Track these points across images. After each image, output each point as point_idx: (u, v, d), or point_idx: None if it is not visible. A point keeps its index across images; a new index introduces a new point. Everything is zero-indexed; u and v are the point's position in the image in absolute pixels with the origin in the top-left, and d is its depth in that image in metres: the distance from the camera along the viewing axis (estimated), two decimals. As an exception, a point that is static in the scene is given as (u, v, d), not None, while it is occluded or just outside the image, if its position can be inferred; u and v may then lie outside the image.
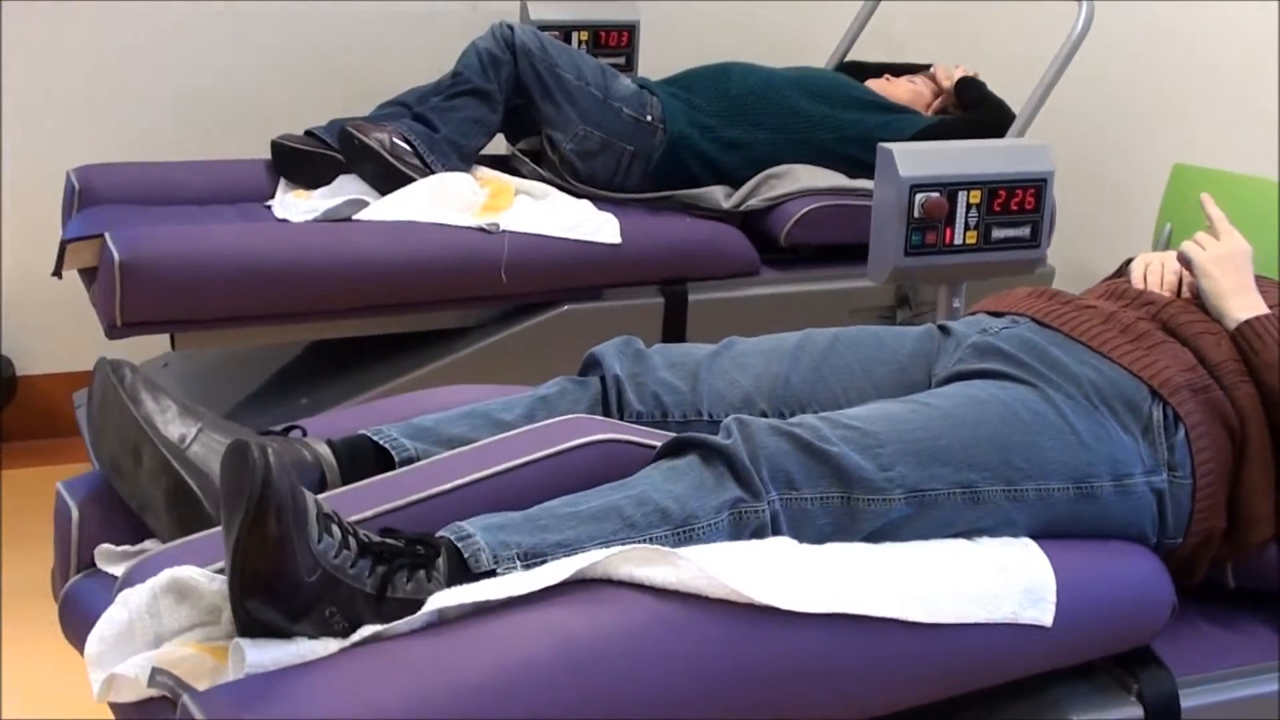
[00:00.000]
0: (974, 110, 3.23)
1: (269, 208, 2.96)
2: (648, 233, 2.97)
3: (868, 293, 3.05)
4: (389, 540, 1.43)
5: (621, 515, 1.51)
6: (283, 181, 3.04)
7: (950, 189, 2.31)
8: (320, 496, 1.47)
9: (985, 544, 1.64)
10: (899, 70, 3.50)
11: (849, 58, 3.67)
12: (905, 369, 1.88)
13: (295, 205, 2.92)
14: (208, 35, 3.49)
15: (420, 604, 1.41)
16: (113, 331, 2.61)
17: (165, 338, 2.75)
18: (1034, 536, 1.67)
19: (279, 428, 1.74)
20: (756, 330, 2.90)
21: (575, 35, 3.57)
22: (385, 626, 1.38)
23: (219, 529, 1.56)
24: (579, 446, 1.65)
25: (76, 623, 1.62)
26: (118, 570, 1.63)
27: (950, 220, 2.33)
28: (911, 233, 2.31)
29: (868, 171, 3.05)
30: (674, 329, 2.97)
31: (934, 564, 1.57)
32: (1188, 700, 1.70)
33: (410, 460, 1.69)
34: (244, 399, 2.89)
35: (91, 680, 1.43)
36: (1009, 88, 3.26)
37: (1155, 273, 1.99)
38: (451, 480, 1.59)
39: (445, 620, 1.40)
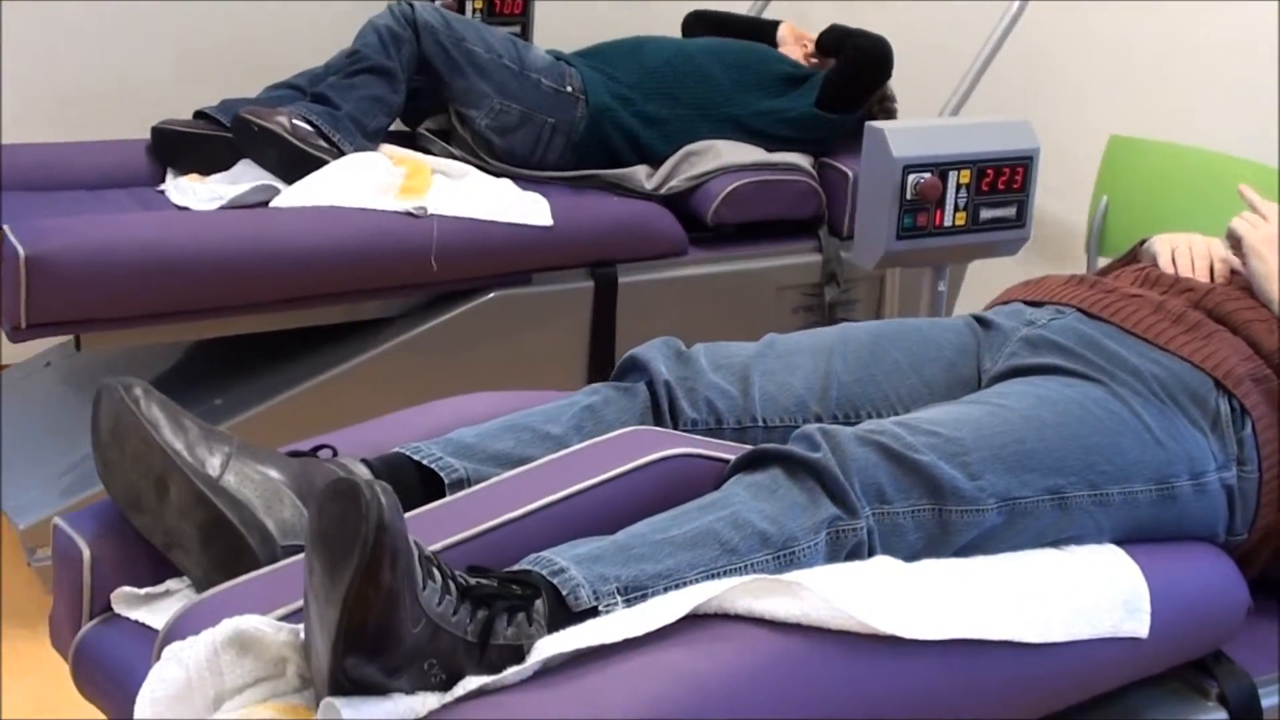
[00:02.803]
0: (847, 52, 3.13)
1: (163, 193, 2.80)
2: (577, 214, 2.86)
3: (794, 270, 3.02)
4: (484, 581, 1.30)
5: (719, 540, 1.40)
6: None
7: (942, 169, 2.23)
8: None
9: (1076, 553, 1.57)
10: (749, 25, 3.42)
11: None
12: (954, 364, 1.80)
13: (194, 191, 2.75)
14: (72, 10, 3.28)
15: (519, 649, 1.28)
16: (16, 334, 2.40)
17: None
18: (1117, 541, 1.61)
19: (306, 447, 1.58)
20: (687, 311, 2.91)
21: (469, 4, 3.48)
22: (492, 679, 1.25)
23: (267, 570, 1.42)
24: (651, 463, 1.52)
25: (98, 677, 1.46)
26: (139, 615, 1.47)
27: (941, 202, 2.25)
28: (904, 215, 2.22)
29: (784, 144, 3.06)
30: (604, 313, 2.88)
31: (1036, 581, 1.50)
32: (1266, 700, 1.66)
33: (461, 483, 1.55)
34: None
35: (147, 750, 1.27)
36: (938, 66, 3.21)
37: (1185, 256, 1.93)
38: (521, 505, 1.46)
39: (551, 668, 1.28)
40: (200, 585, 1.44)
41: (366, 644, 1.20)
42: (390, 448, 1.61)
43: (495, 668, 1.26)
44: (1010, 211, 2.33)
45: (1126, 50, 3.19)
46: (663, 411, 1.68)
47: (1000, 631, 1.42)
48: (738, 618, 1.34)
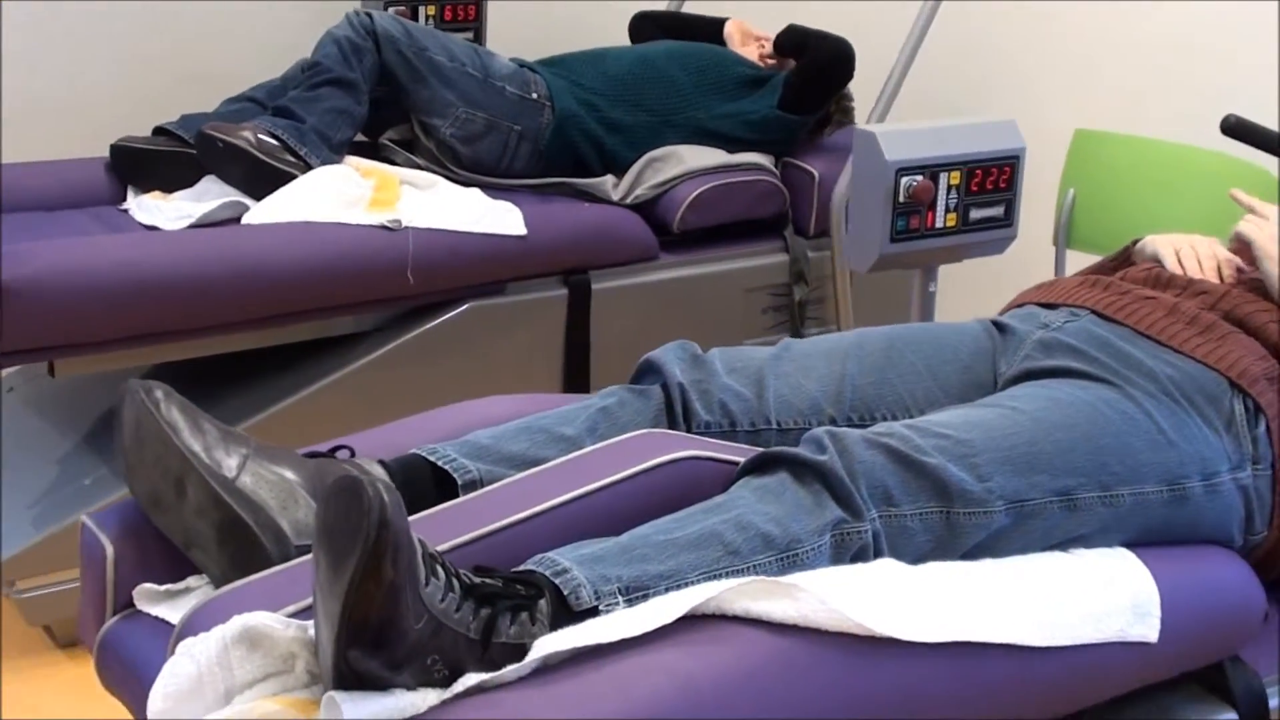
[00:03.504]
0: (806, 55, 3.12)
1: (126, 212, 2.74)
2: (550, 222, 2.83)
3: (762, 271, 3.03)
4: (488, 580, 1.33)
5: (723, 542, 1.41)
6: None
7: (933, 171, 2.23)
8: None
9: (1085, 556, 1.57)
10: (697, 23, 3.41)
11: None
12: (970, 368, 1.80)
13: (159, 210, 2.69)
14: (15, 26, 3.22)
15: (522, 647, 1.30)
16: None
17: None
18: (1128, 543, 1.61)
19: (324, 448, 1.62)
20: (659, 315, 2.90)
21: (423, 10, 3.46)
22: (491, 676, 1.28)
23: (280, 568, 1.46)
24: (659, 465, 1.54)
25: (119, 670, 1.50)
26: (160, 611, 1.51)
27: (933, 203, 2.25)
28: (897, 218, 2.22)
29: (747, 146, 3.06)
30: (578, 320, 2.87)
31: (1042, 583, 1.50)
32: (1274, 700, 1.66)
33: (475, 483, 1.58)
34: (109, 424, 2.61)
35: (159, 742, 1.31)
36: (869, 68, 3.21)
37: (1192, 258, 1.92)
38: (530, 506, 1.48)
39: (550, 666, 1.30)
40: (218, 583, 1.48)
41: (369, 638, 1.22)
42: (409, 449, 1.64)
43: (498, 665, 1.29)
44: (999, 211, 2.33)
45: (1069, 46, 3.21)
46: (676, 414, 1.70)
47: (1002, 634, 1.42)
48: (736, 619, 1.35)
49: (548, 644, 1.29)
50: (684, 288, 2.96)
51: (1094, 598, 1.51)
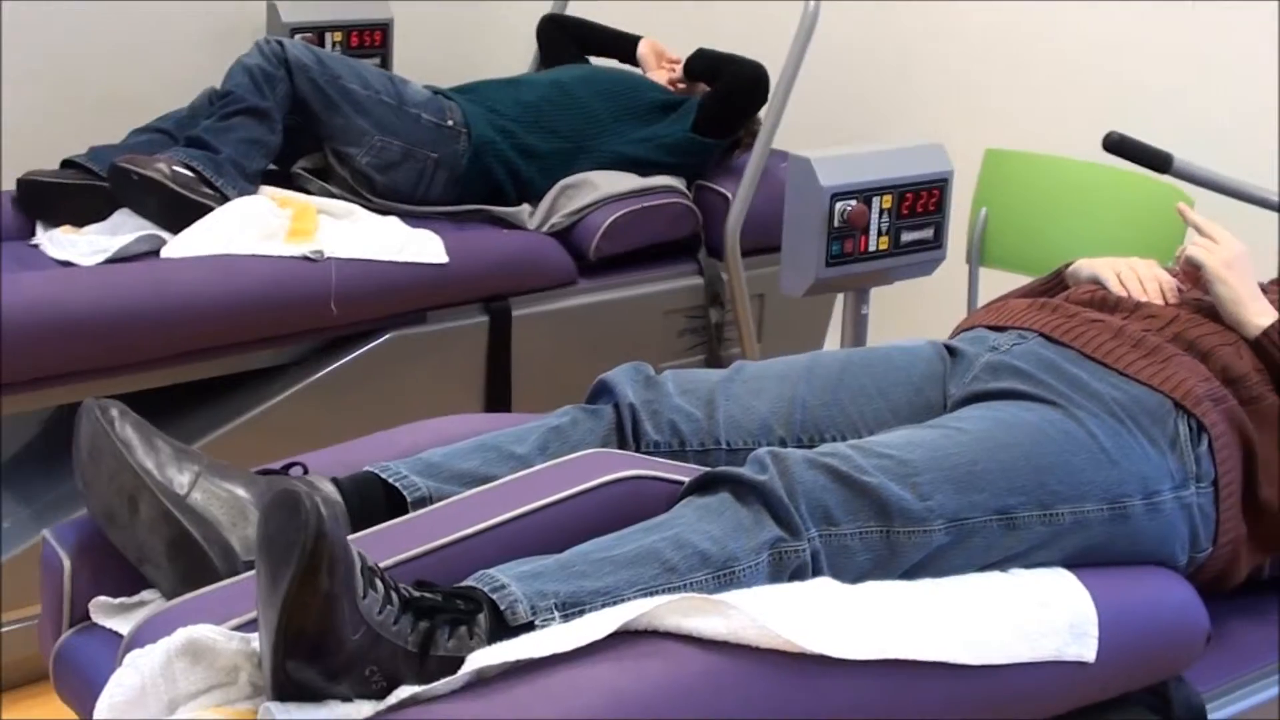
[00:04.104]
0: (721, 80, 3.13)
1: (36, 247, 2.65)
2: (470, 249, 2.81)
3: (678, 293, 3.04)
4: (428, 594, 1.36)
5: (660, 559, 1.44)
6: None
7: (866, 195, 2.26)
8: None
9: (1023, 576, 1.59)
10: (607, 37, 3.42)
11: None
12: (920, 390, 1.83)
13: (72, 245, 2.61)
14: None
15: (459, 661, 1.33)
16: None
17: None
18: (1069, 562, 1.63)
19: (277, 465, 1.65)
20: (577, 339, 2.90)
21: (329, 36, 3.44)
22: (424, 688, 1.30)
23: (228, 582, 1.49)
24: (604, 484, 1.57)
25: (74, 681, 1.53)
26: (114, 624, 1.54)
27: (866, 227, 2.28)
28: (831, 243, 2.25)
29: (660, 169, 3.07)
30: (499, 347, 2.86)
31: (977, 602, 1.53)
32: (1215, 714, 1.68)
33: (424, 500, 1.61)
34: (29, 465, 2.58)
35: (102, 750, 1.34)
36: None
37: (1134, 279, 1.95)
38: (474, 524, 1.52)
39: (484, 679, 1.33)
40: (169, 598, 1.51)
41: (305, 647, 1.26)
42: (364, 466, 1.67)
43: (435, 678, 1.32)
44: (929, 233, 2.36)
45: (1001, 63, 3.26)
46: (626, 433, 1.73)
47: (934, 652, 1.45)
48: (668, 635, 1.38)
49: (481, 658, 1.32)
50: (602, 312, 2.96)
51: (1029, 616, 1.53)
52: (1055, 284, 2.06)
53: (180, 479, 1.53)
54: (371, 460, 1.68)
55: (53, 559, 1.58)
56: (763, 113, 3.05)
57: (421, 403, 2.57)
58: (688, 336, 3.07)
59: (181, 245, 2.60)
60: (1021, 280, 2.20)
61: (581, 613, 1.39)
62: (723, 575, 1.46)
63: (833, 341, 3.26)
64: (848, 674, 1.40)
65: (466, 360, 2.81)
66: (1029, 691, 1.52)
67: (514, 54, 3.54)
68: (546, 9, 3.57)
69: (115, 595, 1.57)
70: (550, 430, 1.72)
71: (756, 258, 2.99)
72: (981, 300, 2.68)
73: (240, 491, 1.55)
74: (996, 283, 2.66)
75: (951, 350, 1.87)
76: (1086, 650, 1.55)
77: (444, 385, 2.80)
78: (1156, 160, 2.34)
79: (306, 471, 1.64)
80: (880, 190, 2.25)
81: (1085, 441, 1.65)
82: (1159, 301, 1.91)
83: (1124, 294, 1.92)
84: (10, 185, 2.80)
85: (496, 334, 2.84)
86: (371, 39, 3.49)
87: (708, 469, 1.60)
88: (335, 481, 1.62)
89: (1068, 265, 2.05)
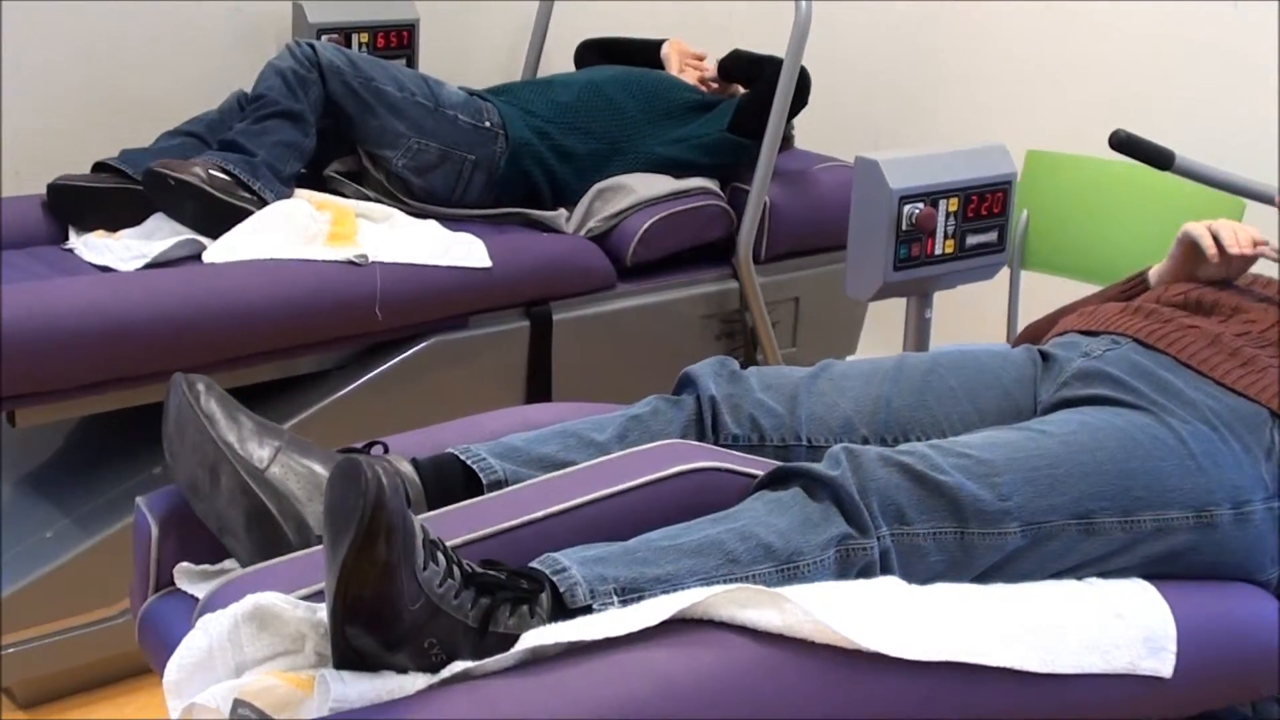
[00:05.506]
0: (764, 80, 3.03)
1: (70, 252, 2.61)
2: (512, 253, 2.76)
3: (715, 297, 2.99)
4: (491, 572, 1.37)
5: (724, 550, 1.44)
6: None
7: (933, 198, 2.22)
8: (411, 520, 1.41)
9: (1100, 586, 1.56)
10: (636, 47, 3.38)
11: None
12: (1010, 394, 1.80)
13: (109, 249, 2.56)
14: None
15: (519, 639, 1.35)
16: None
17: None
18: (1149, 571, 1.59)
19: (360, 445, 1.69)
20: (617, 344, 2.85)
21: (356, 37, 3.40)
22: (476, 664, 1.32)
23: (302, 553, 1.52)
24: (677, 474, 1.58)
25: (154, 644, 1.58)
26: (198, 590, 1.59)
27: (933, 230, 2.24)
28: (900, 246, 2.21)
29: (695, 170, 3.02)
30: (540, 351, 2.82)
31: (1049, 609, 1.50)
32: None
33: (499, 483, 1.63)
34: (82, 470, 2.54)
35: (170, 709, 1.38)
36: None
37: (1229, 233, 1.91)
38: (545, 507, 1.53)
39: (538, 659, 1.34)
40: (246, 567, 1.55)
41: (363, 614, 1.28)
42: (447, 448, 1.70)
43: (491, 653, 1.33)
44: (993, 236, 2.33)
45: (1039, 65, 3.21)
46: (705, 425, 1.73)
47: (999, 657, 1.42)
48: (723, 625, 1.38)
49: (533, 637, 1.33)
50: (641, 316, 2.91)
51: (1103, 627, 1.50)
52: (1138, 285, 2.02)
53: (260, 453, 1.57)
54: (456, 443, 1.71)
55: (142, 525, 1.63)
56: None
57: (462, 408, 2.42)
58: (724, 341, 3.03)
59: (223, 249, 2.56)
60: (1063, 284, 2.15)
61: (640, 599, 1.40)
62: (786, 569, 1.45)
63: (865, 348, 3.28)
64: (906, 675, 1.39)
65: (507, 364, 2.78)
66: (1099, 704, 1.49)
67: (548, 57, 3.51)
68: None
69: (199, 562, 1.61)
70: (631, 419, 1.73)
71: (792, 260, 2.97)
72: (1022, 305, 2.67)
73: (318, 468, 1.58)
74: (1037, 286, 2.65)
75: (1044, 355, 1.84)
76: (1163, 665, 1.51)
77: (485, 390, 2.75)
78: (1159, 158, 2.27)
79: (387, 451, 1.67)
80: (947, 193, 2.22)
81: (1175, 447, 1.61)
82: (1249, 253, 1.88)
83: (1214, 253, 1.89)
84: (34, 189, 2.75)
85: (538, 338, 2.80)
86: (399, 39, 3.46)
87: (782, 464, 1.59)
88: (414, 462, 1.65)
89: (1146, 271, 2.01)
